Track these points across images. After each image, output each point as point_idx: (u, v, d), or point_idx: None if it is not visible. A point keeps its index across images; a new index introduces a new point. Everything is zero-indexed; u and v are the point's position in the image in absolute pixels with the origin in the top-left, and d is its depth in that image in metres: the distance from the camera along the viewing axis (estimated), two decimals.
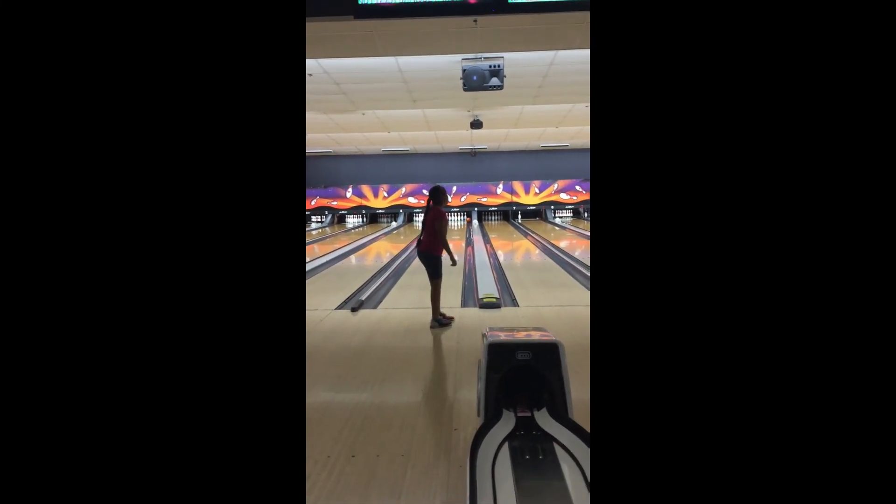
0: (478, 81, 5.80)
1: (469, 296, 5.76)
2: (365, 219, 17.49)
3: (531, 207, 17.12)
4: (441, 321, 4.47)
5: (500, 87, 5.89)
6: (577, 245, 10.22)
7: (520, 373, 2.19)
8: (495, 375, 2.17)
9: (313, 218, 17.52)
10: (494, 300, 5.23)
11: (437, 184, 4.73)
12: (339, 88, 7.53)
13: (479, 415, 2.22)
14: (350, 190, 17.30)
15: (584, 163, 16.24)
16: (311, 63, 6.20)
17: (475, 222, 16.33)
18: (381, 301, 5.62)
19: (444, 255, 4.45)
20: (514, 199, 17.09)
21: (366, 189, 17.24)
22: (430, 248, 4.39)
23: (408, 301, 5.50)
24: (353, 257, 9.70)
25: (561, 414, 2.10)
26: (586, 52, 5.61)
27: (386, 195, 17.23)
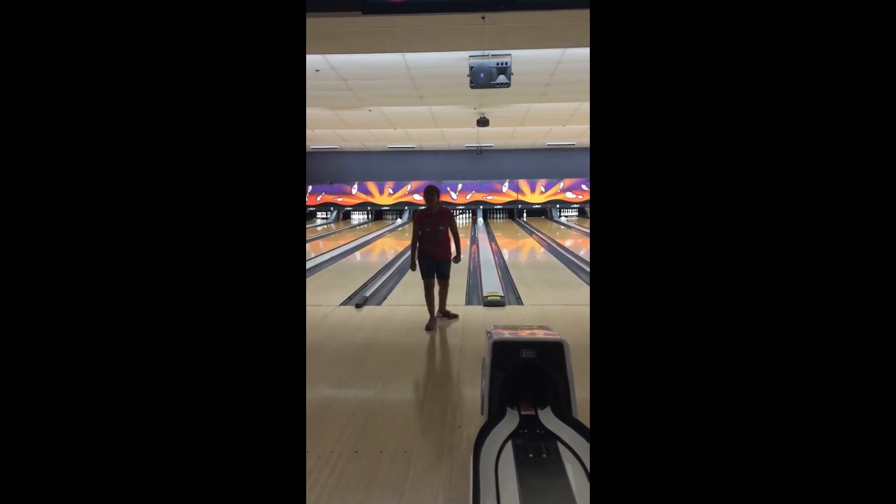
0: (485, 79, 5.78)
1: (473, 294, 5.76)
2: (370, 215, 17.51)
3: (537, 206, 17.08)
4: (448, 314, 4.55)
5: (507, 85, 5.87)
6: (583, 244, 10.19)
7: (524, 371, 2.18)
8: (499, 373, 2.16)
9: (318, 214, 17.56)
10: (499, 298, 5.22)
11: (430, 183, 4.68)
12: (346, 84, 7.53)
13: (482, 413, 2.22)
14: (355, 186, 17.31)
15: None
16: (318, 59, 6.20)
17: (480, 220, 16.32)
18: (385, 298, 5.62)
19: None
20: (520, 197, 17.06)
21: (371, 186, 17.25)
22: (448, 254, 4.31)
23: (412, 298, 5.50)
24: (357, 254, 9.71)
25: (565, 413, 2.09)
26: None
27: (391, 192, 17.23)
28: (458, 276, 6.23)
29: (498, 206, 17.14)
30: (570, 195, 16.89)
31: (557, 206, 16.98)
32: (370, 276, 6.86)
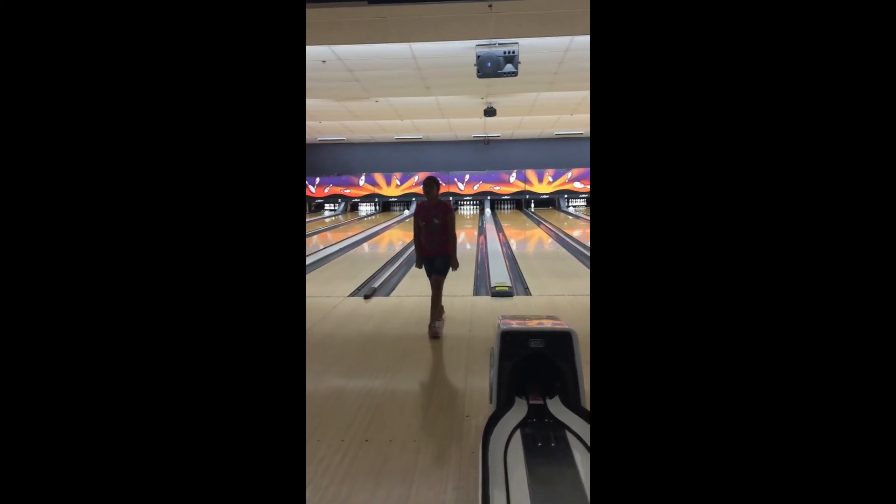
0: (492, 68, 5.75)
1: (481, 284, 5.76)
2: (378, 207, 17.52)
3: (544, 196, 17.00)
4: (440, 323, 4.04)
5: (514, 74, 5.83)
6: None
7: (533, 361, 2.18)
8: (508, 363, 2.17)
9: (326, 206, 17.60)
10: (507, 289, 5.22)
11: (431, 174, 4.19)
12: (353, 76, 7.51)
13: (491, 402, 2.23)
14: (363, 178, 17.31)
15: None
16: (324, 50, 6.18)
17: (488, 211, 16.28)
18: (393, 289, 5.64)
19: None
20: (528, 187, 16.98)
21: (379, 177, 17.24)
22: (446, 248, 3.94)
23: (420, 289, 5.51)
24: (365, 245, 9.74)
25: (574, 402, 2.09)
26: None
27: (399, 183, 17.22)
28: (466, 266, 6.24)
29: (505, 197, 17.08)
30: (578, 185, 16.79)
31: (565, 195, 16.88)
32: (378, 268, 6.88)
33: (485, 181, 16.98)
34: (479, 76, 5.90)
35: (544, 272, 6.49)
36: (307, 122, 12.19)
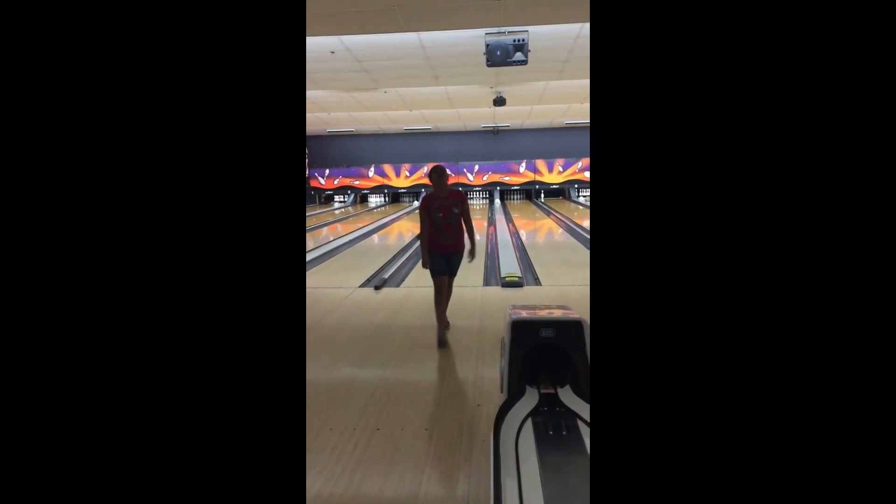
0: (501, 56, 5.69)
1: (491, 275, 5.76)
2: (387, 198, 17.54)
3: (554, 186, 16.91)
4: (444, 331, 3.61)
5: (524, 63, 5.77)
6: None
7: (543, 350, 2.18)
8: (519, 352, 2.17)
9: (336, 197, 17.64)
10: (517, 279, 5.21)
11: (437, 164, 3.74)
12: (361, 66, 7.48)
13: (502, 391, 2.23)
14: (372, 169, 17.32)
15: None
16: (332, 40, 6.16)
17: (497, 201, 16.23)
18: (403, 280, 5.65)
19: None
20: (537, 177, 16.89)
21: (388, 168, 17.24)
22: (462, 244, 3.54)
23: (430, 280, 5.52)
24: (375, 236, 9.76)
25: (584, 391, 2.09)
26: None
27: (408, 174, 17.21)
28: (476, 257, 6.20)
29: (515, 187, 17.01)
30: (588, 175, 16.67)
31: (576, 185, 16.76)
32: (388, 259, 6.89)
33: (494, 171, 16.91)
34: (488, 65, 5.85)
35: (554, 262, 6.46)
36: (316, 114, 12.19)
